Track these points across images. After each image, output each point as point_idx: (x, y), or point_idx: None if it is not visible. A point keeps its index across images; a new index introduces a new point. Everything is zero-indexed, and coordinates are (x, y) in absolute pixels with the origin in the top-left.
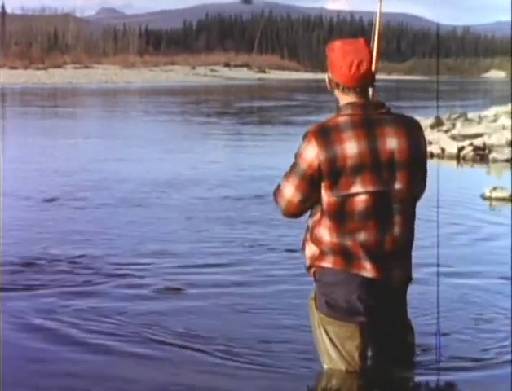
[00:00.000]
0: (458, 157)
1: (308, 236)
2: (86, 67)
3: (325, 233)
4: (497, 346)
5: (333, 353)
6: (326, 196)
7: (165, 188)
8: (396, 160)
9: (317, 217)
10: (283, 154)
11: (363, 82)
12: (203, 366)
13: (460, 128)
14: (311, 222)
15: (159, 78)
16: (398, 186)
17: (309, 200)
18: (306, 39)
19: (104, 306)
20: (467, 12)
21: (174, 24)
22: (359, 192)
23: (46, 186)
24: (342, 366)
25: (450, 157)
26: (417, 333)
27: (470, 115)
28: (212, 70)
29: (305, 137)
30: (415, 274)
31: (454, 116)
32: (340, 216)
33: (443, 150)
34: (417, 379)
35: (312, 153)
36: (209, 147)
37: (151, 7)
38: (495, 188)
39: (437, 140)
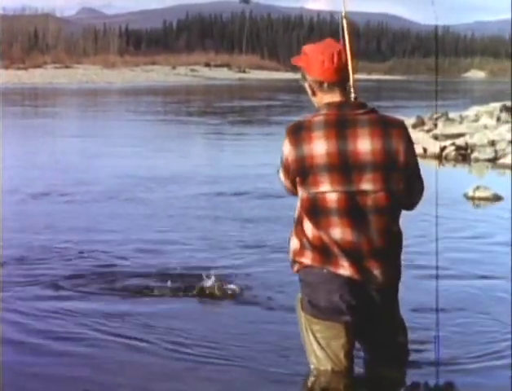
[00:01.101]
0: (440, 157)
1: (293, 229)
2: (67, 67)
3: (308, 226)
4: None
5: (320, 354)
6: (300, 191)
7: (146, 185)
8: (368, 161)
9: (300, 210)
10: (264, 153)
11: (341, 76)
12: None
13: (441, 128)
14: (297, 214)
15: (139, 78)
16: (370, 187)
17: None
18: (287, 39)
19: None
20: (447, 12)
21: (155, 24)
22: (328, 191)
23: (31, 181)
24: (328, 366)
25: (432, 157)
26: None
27: (452, 115)
28: (192, 70)
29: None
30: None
31: (435, 115)
32: (313, 212)
33: (425, 150)
34: (415, 378)
35: (286, 150)
36: (189, 146)
37: (131, 7)
38: (478, 187)
39: (419, 140)
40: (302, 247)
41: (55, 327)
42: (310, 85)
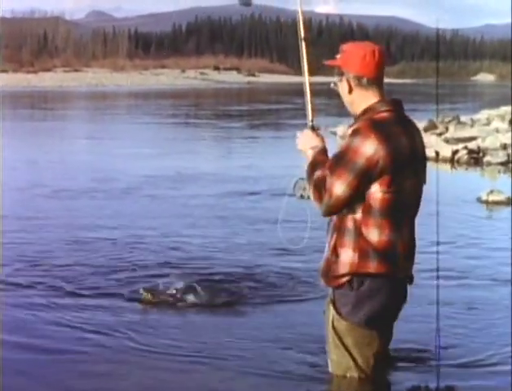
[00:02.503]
0: (452, 160)
1: (346, 241)
2: (76, 70)
3: (374, 232)
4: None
5: (348, 361)
6: (380, 192)
7: (157, 184)
8: (422, 157)
9: (359, 217)
10: (272, 156)
11: (380, 73)
12: None
13: (453, 131)
14: (351, 225)
15: (149, 81)
16: (422, 182)
17: (353, 198)
18: (296, 42)
19: None
20: (456, 15)
21: (164, 27)
22: (406, 188)
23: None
24: (355, 374)
25: (444, 160)
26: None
27: (463, 118)
28: (202, 73)
29: (357, 133)
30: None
31: (447, 119)
32: (392, 212)
33: (437, 153)
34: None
35: (371, 148)
36: (198, 148)
37: (140, 10)
38: (492, 191)
39: (431, 143)
40: (364, 256)
41: None
42: (348, 82)
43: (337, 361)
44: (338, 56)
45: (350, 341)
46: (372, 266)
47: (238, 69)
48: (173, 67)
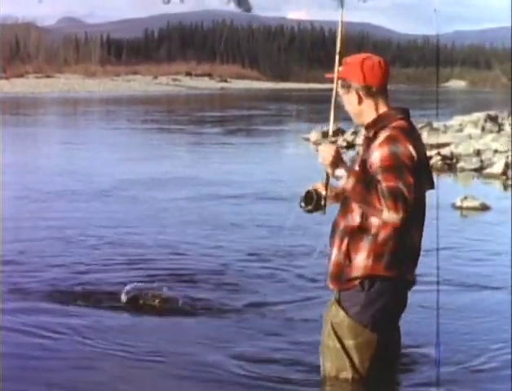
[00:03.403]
0: None
1: (362, 245)
2: (48, 76)
3: (392, 237)
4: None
5: (345, 363)
6: None
7: (130, 188)
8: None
9: (379, 222)
10: (245, 163)
11: (387, 81)
12: None
13: (426, 137)
14: (370, 230)
15: (121, 88)
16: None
17: None
18: (267, 48)
19: None
20: (426, 22)
21: (136, 34)
22: (423, 192)
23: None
24: (349, 375)
25: None
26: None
27: (435, 124)
28: (174, 79)
29: (395, 140)
30: None
31: (419, 125)
32: (412, 216)
33: None
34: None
35: (413, 152)
36: (171, 153)
37: (112, 16)
38: (466, 197)
39: None
40: (378, 260)
41: None
42: (357, 93)
43: (333, 362)
44: (340, 69)
45: (350, 342)
46: (386, 269)
47: (210, 75)
48: (145, 73)
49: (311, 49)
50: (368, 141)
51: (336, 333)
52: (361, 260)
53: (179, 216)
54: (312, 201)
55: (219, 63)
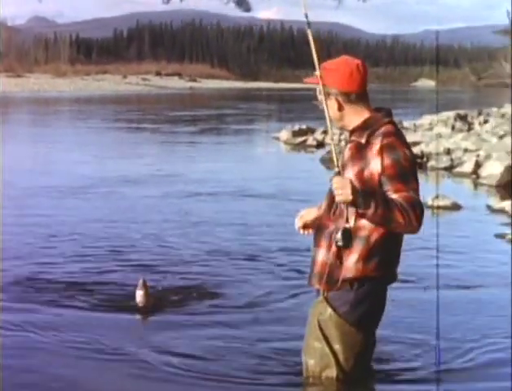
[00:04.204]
0: None
1: (354, 247)
2: (18, 75)
3: (383, 239)
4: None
5: (330, 360)
6: None
7: (101, 185)
8: None
9: (371, 226)
10: (216, 161)
11: (366, 85)
12: None
13: None
14: (362, 233)
15: (91, 87)
16: None
17: None
18: (237, 48)
19: None
20: (397, 21)
21: (105, 33)
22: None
23: None
24: (334, 374)
25: None
26: None
27: (405, 123)
28: (144, 79)
29: (393, 147)
30: None
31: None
32: None
33: None
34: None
35: (408, 155)
36: (141, 152)
37: (82, 16)
38: (437, 196)
39: None
40: (369, 261)
41: None
42: (336, 100)
43: (317, 359)
44: (317, 73)
45: (336, 339)
46: (376, 270)
47: (180, 75)
48: (115, 72)
49: (280, 48)
50: (359, 148)
51: (322, 330)
52: (353, 261)
53: (155, 212)
54: (350, 238)
55: (189, 63)
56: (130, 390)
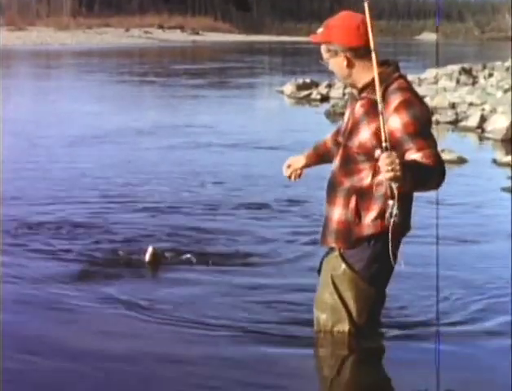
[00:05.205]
0: None
1: (373, 204)
2: (20, 29)
3: (400, 193)
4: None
5: (344, 314)
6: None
7: (105, 137)
8: None
9: (379, 180)
10: (217, 114)
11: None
12: None
13: None
14: (382, 189)
15: (93, 40)
16: None
17: None
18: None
19: None
20: None
21: None
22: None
23: None
24: (346, 328)
25: None
26: None
27: (409, 77)
28: (146, 32)
29: (411, 104)
30: None
31: None
32: None
33: None
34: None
35: (426, 111)
36: (143, 106)
37: None
38: (443, 150)
39: None
40: (386, 217)
41: None
42: (345, 57)
43: (329, 314)
44: (321, 31)
45: (350, 294)
46: (393, 227)
47: (182, 28)
48: (117, 26)
49: (282, 0)
50: (372, 105)
51: (335, 285)
52: (371, 218)
53: (162, 163)
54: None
55: (191, 16)
56: None
